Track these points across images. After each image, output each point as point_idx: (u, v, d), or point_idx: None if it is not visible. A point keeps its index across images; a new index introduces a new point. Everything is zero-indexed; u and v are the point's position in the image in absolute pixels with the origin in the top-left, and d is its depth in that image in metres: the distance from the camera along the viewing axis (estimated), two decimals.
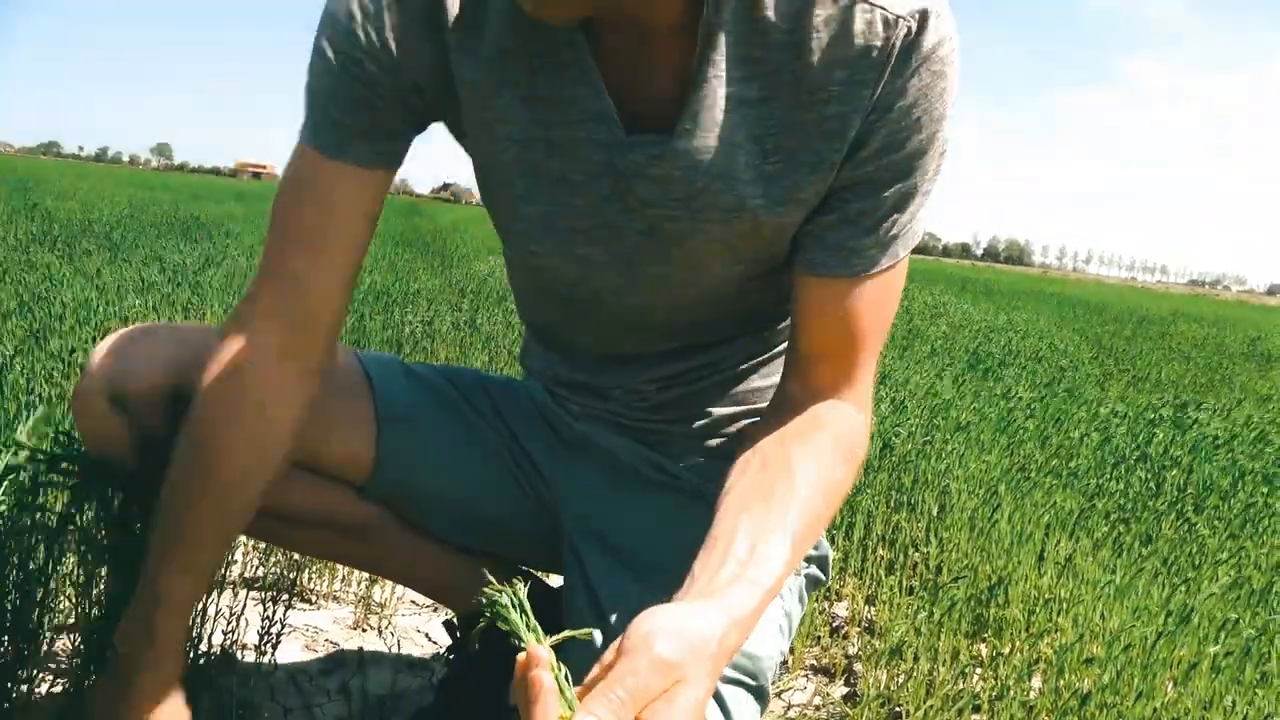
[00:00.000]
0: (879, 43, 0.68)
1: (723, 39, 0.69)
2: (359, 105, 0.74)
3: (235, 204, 14.08)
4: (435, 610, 1.54)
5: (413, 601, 1.56)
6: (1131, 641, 1.14)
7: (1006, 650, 1.33)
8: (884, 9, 0.68)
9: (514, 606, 0.55)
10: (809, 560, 0.97)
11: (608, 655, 0.54)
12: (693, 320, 0.88)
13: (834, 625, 1.64)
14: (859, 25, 0.68)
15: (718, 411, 0.98)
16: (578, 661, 0.55)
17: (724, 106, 0.71)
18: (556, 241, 0.80)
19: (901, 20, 0.68)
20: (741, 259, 0.79)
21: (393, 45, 0.73)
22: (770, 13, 0.69)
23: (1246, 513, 1.89)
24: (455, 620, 1.17)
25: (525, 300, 0.99)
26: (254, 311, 0.78)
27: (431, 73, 0.75)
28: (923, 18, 0.68)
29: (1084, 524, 1.68)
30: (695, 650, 0.54)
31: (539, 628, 0.54)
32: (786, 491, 0.68)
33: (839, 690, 1.43)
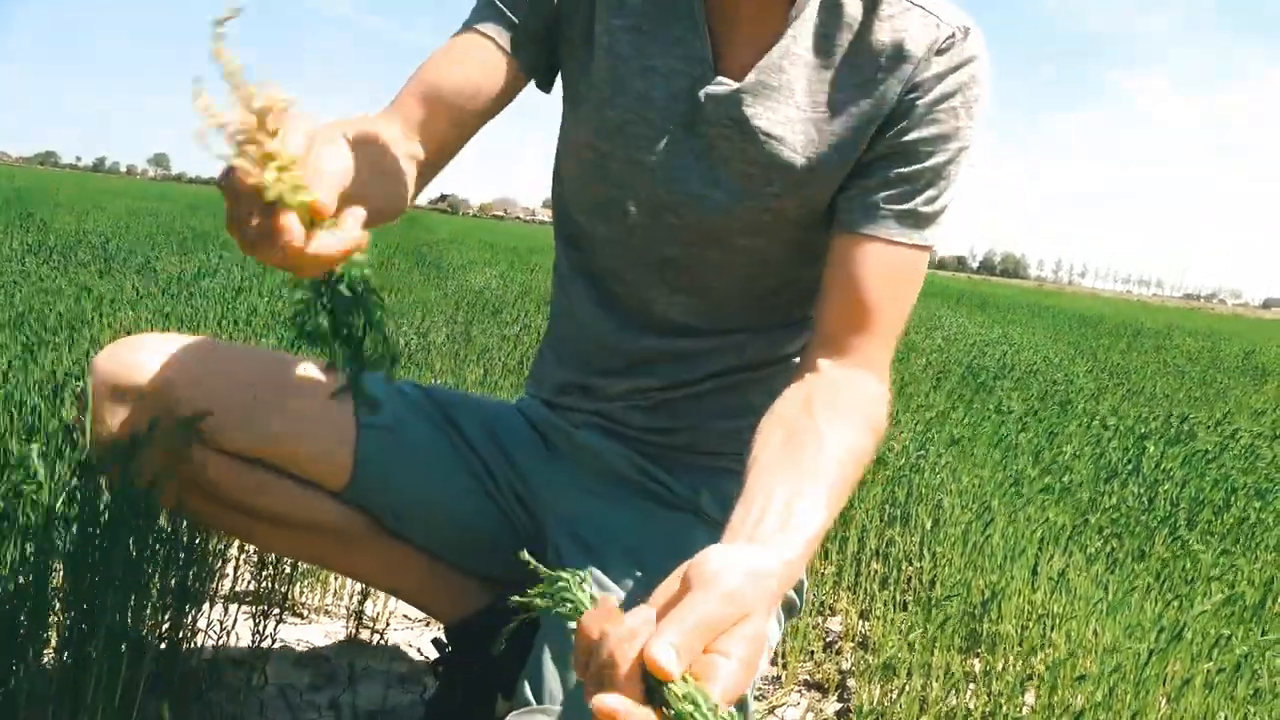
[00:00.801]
0: (928, 36, 0.85)
1: (809, 15, 0.86)
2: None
3: None
4: (428, 625, 1.54)
5: (405, 616, 1.55)
6: (1124, 658, 1.14)
7: (999, 666, 1.33)
8: (938, 17, 0.85)
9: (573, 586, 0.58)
10: None
11: (660, 594, 0.55)
12: (711, 274, 0.93)
13: (828, 640, 1.63)
14: (915, 22, 0.85)
15: (714, 425, 0.99)
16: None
17: (793, 63, 0.87)
18: (623, 146, 0.90)
19: (948, 26, 0.85)
20: (771, 188, 0.88)
21: None
22: (849, 4, 0.86)
23: (1239, 527, 1.89)
24: (444, 636, 1.17)
25: (573, 213, 1.01)
26: (386, 112, 0.90)
27: None
28: (967, 31, 0.86)
29: (1077, 539, 1.68)
30: (757, 585, 0.55)
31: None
32: (816, 455, 0.72)
33: (832, 706, 1.42)
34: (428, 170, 0.91)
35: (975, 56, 0.86)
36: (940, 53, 0.84)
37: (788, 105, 0.87)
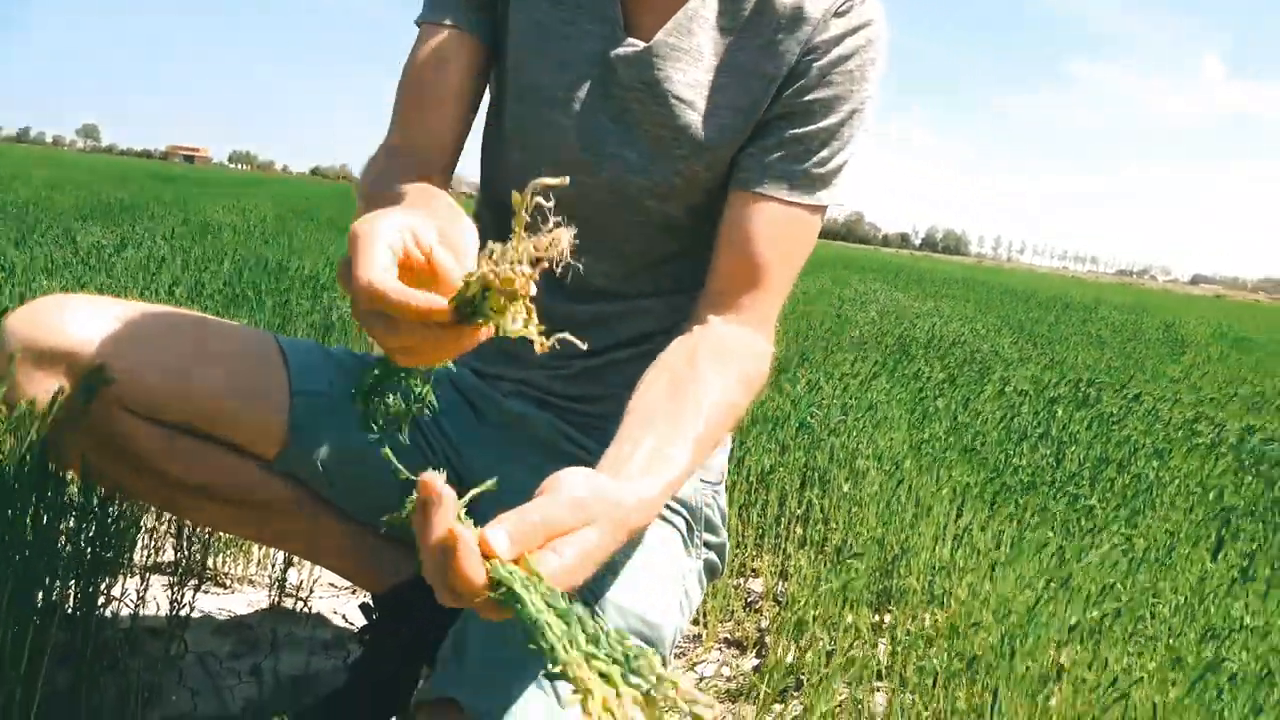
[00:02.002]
0: (826, 1, 0.87)
1: None
2: None
3: (163, 187, 13.67)
4: (354, 593, 1.54)
5: (330, 584, 1.56)
6: (1016, 606, 1.19)
7: (905, 619, 1.38)
8: None
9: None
10: (709, 546, 1.01)
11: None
12: (622, 236, 0.95)
13: (748, 600, 1.68)
14: None
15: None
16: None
17: (700, 26, 0.89)
18: (540, 108, 0.92)
19: None
20: (680, 150, 0.90)
21: None
22: None
23: (1136, 484, 1.99)
24: (371, 602, 1.18)
25: (495, 177, 1.02)
26: (392, 136, 0.93)
27: None
28: None
29: (984, 497, 1.75)
30: (606, 503, 0.59)
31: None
32: (693, 406, 0.75)
33: (749, 662, 1.47)
34: (450, 172, 0.94)
35: (872, 20, 0.88)
36: (838, 15, 0.87)
37: (696, 68, 0.89)
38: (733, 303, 0.86)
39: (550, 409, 1.01)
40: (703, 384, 0.77)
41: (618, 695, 0.47)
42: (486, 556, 0.52)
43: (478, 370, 1.05)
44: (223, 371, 0.94)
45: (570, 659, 0.47)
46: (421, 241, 0.58)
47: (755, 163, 0.88)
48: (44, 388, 0.86)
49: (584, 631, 0.49)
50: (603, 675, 0.48)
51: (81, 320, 0.88)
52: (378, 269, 0.54)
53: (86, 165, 23.29)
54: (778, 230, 0.87)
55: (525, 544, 0.53)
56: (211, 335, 0.96)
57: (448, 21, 0.91)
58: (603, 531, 0.58)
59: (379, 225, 0.57)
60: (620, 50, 0.89)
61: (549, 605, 0.51)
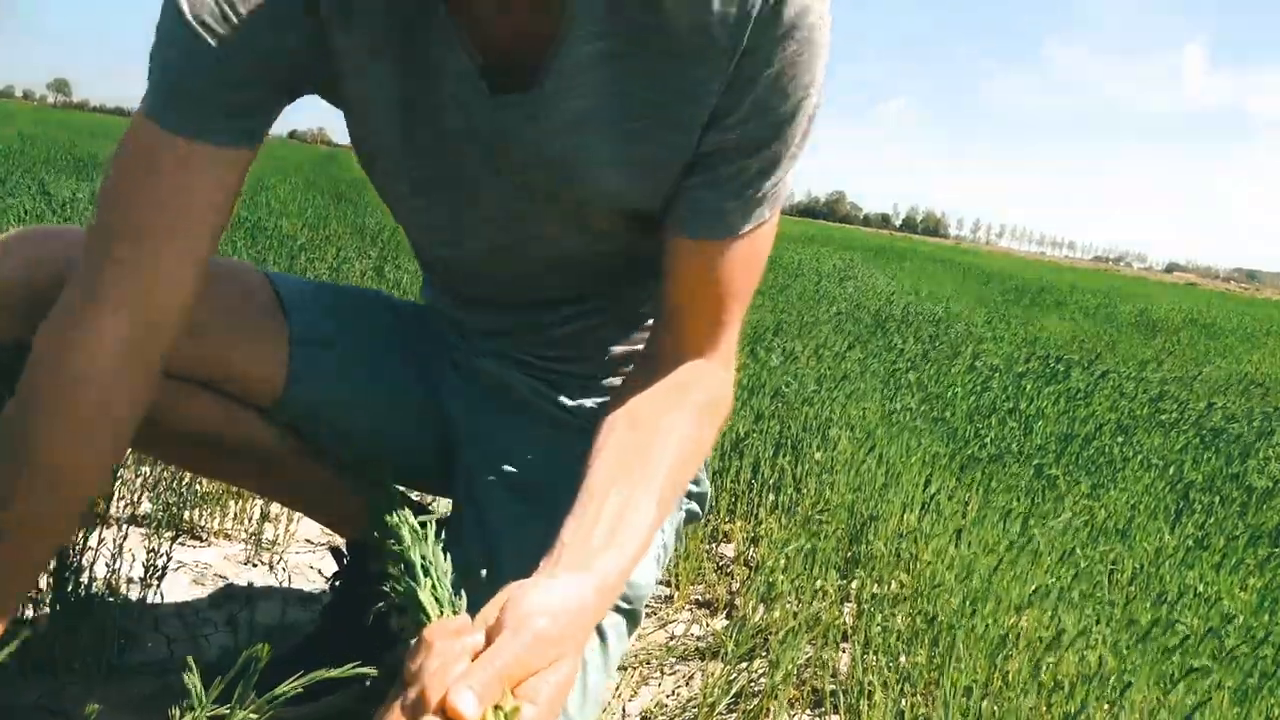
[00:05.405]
0: (734, 9, 0.66)
1: None
2: (218, 78, 0.68)
3: None
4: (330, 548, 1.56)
5: (306, 540, 1.57)
6: (979, 569, 1.23)
7: (871, 583, 1.42)
8: None
9: (413, 535, 0.61)
10: (689, 496, 1.02)
11: (480, 622, 0.56)
12: (579, 271, 0.89)
13: (720, 564, 1.71)
14: None
15: (612, 350, 1.00)
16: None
17: (586, 64, 0.69)
18: (431, 204, 0.81)
19: None
20: (599, 207, 0.79)
21: (259, 12, 0.68)
22: None
23: (1100, 458, 2.04)
24: (345, 546, 1.19)
25: (418, 254, 1.00)
26: (92, 309, 0.71)
27: (305, 40, 0.71)
28: None
29: (952, 467, 1.79)
30: (572, 626, 0.56)
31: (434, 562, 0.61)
32: (656, 454, 0.71)
33: (719, 622, 1.50)
34: (183, 322, 0.76)
35: (799, 15, 0.67)
36: (754, 27, 0.67)
37: (598, 121, 0.72)
38: (687, 334, 0.79)
39: (524, 368, 1.01)
40: (665, 434, 0.73)
41: None
42: None
43: (452, 326, 1.05)
44: (221, 321, 0.90)
45: None
46: None
47: (688, 205, 0.74)
48: (26, 324, 0.80)
49: None
50: None
51: (27, 252, 0.82)
52: None
53: (58, 120, 22.82)
54: (740, 261, 0.76)
55: (493, 698, 0.51)
56: (213, 278, 0.92)
57: (204, 140, 0.69)
58: (571, 658, 0.56)
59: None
60: (499, 115, 0.72)
61: None
